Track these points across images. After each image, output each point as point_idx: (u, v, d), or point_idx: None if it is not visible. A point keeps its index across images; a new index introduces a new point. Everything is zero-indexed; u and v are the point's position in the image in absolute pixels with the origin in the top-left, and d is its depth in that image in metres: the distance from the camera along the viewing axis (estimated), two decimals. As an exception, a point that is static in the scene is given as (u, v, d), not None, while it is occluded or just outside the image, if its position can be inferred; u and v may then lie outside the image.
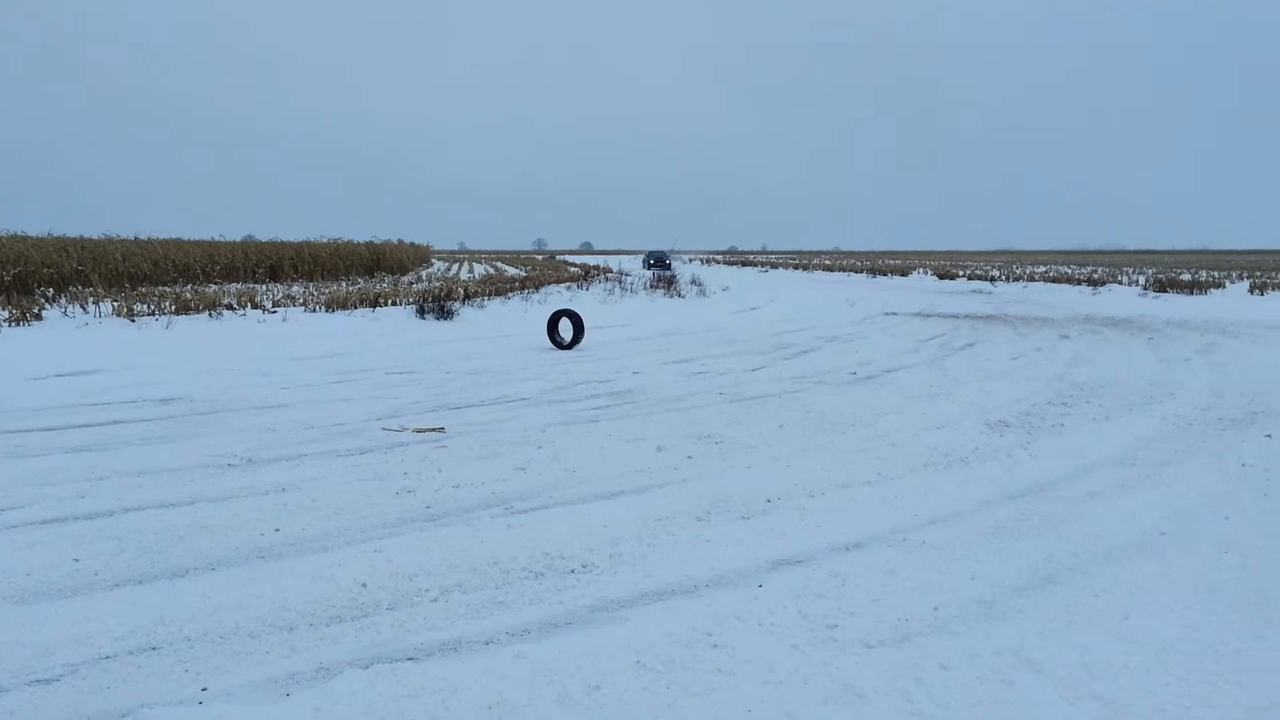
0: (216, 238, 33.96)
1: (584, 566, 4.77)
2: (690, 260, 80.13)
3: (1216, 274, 42.83)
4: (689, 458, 7.17)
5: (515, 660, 3.60)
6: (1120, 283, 35.30)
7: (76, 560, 4.75)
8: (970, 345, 15.76)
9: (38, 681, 3.49)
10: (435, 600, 4.32)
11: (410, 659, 3.61)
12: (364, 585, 4.45)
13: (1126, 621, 4.05)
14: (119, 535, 5.14)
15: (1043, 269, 51.95)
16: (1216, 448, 7.55)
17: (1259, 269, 50.57)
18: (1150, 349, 15.02)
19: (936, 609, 4.22)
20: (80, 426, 8.19)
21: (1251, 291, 29.91)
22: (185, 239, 32.46)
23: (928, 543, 5.17)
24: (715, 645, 3.80)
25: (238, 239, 36.43)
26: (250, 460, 6.97)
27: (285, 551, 4.93)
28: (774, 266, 69.35)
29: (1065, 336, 16.97)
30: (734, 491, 6.15)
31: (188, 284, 26.43)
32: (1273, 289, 30.03)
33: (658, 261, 58.10)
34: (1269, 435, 8.03)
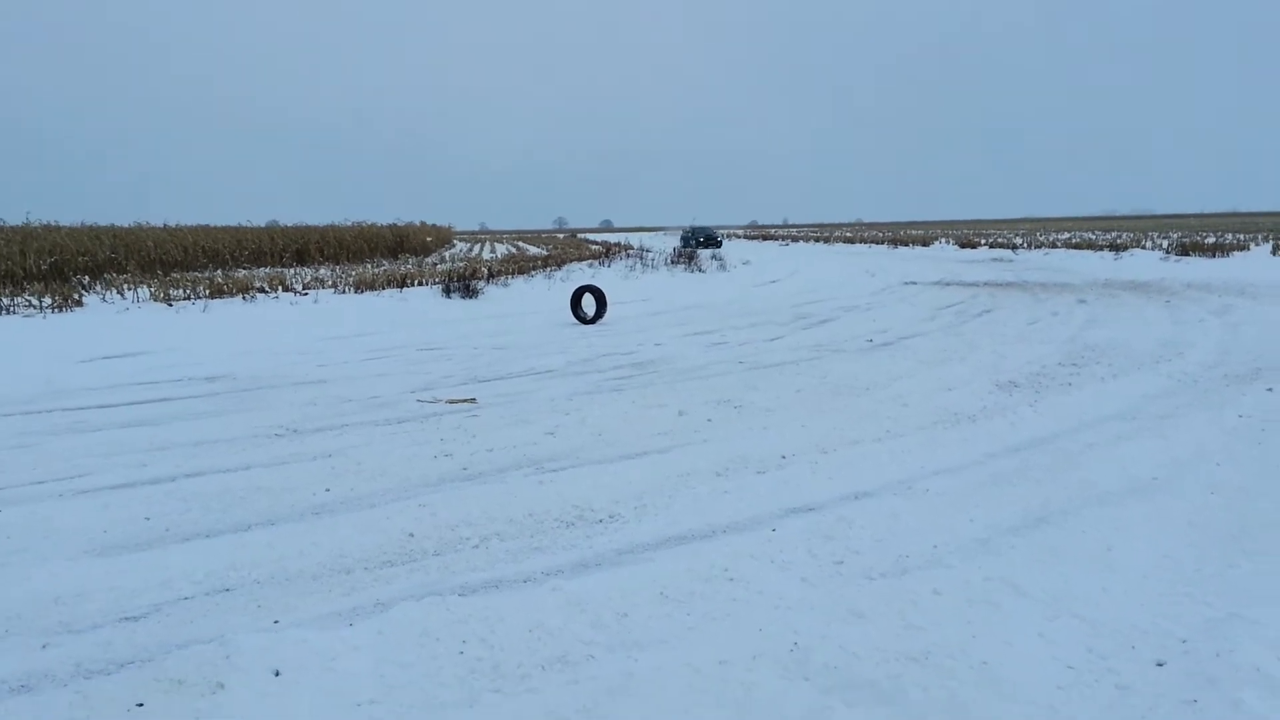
0: (242, 223, 34.54)
1: (611, 517, 5.17)
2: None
3: (1242, 236, 42.62)
4: (709, 421, 7.55)
5: (551, 593, 4.01)
6: (1144, 248, 35.25)
7: (147, 519, 5.21)
8: (987, 311, 16.01)
9: (126, 619, 3.93)
10: (476, 547, 4.73)
11: (458, 594, 4.02)
12: (411, 535, 4.87)
13: (1109, 554, 4.41)
14: (184, 497, 5.60)
15: (1066, 236, 51.76)
16: (1217, 402, 7.85)
17: (1285, 230, 50.16)
18: (1166, 311, 15.21)
19: (935, 547, 4.59)
20: (133, 404, 8.68)
21: (1275, 253, 29.85)
22: (212, 225, 33.10)
23: (931, 491, 5.53)
24: (731, 579, 4.20)
25: (262, 224, 37.05)
26: (296, 431, 7.41)
27: (337, 508, 5.37)
28: (795, 240, 69.40)
29: (1082, 301, 17.16)
30: (751, 450, 6.53)
31: (217, 269, 27.01)
32: (1295, 250, 29.94)
33: (708, 240, 52.07)
34: (1270, 389, 8.31)
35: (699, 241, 51.37)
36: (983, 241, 46.58)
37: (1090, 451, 6.37)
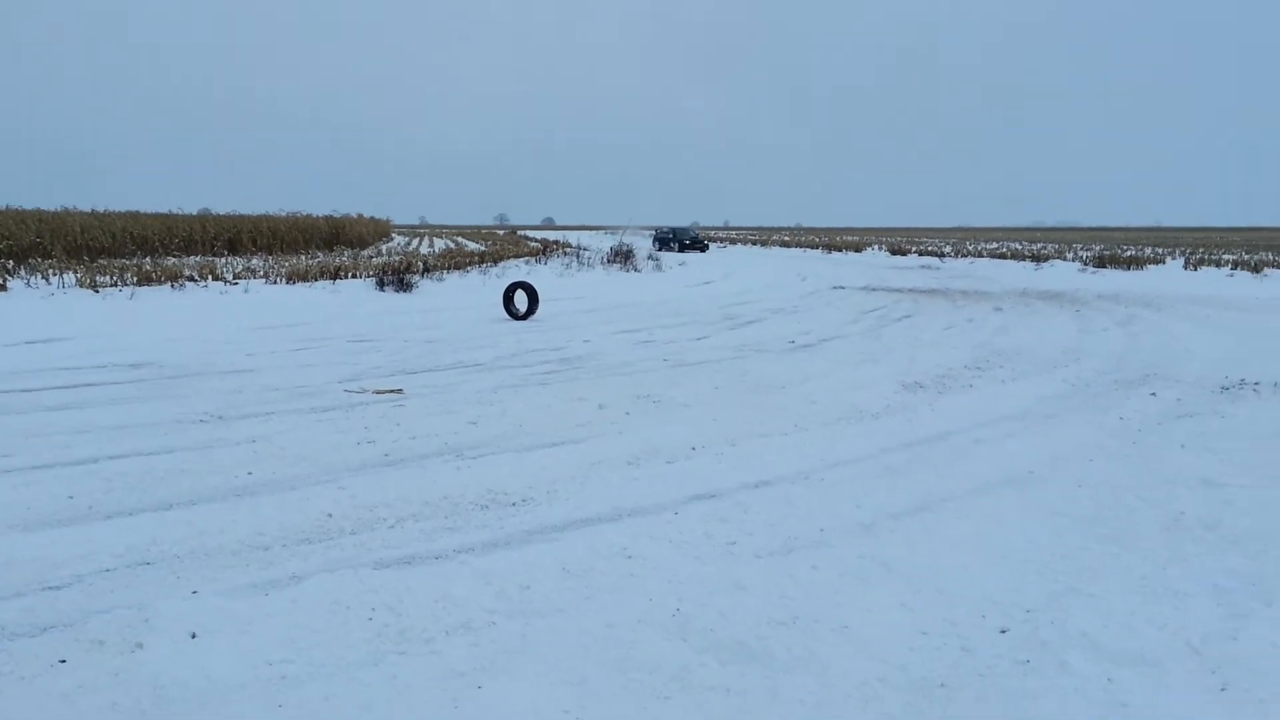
0: (173, 211, 34.02)
1: (524, 500, 5.46)
2: (650, 235, 79.93)
3: (1161, 250, 44.29)
4: (627, 414, 7.86)
5: (460, 567, 4.29)
6: (1065, 259, 36.48)
7: (70, 497, 5.35)
8: (908, 317, 16.59)
9: (49, 588, 4.10)
10: (392, 527, 4.98)
11: (371, 568, 4.27)
12: (330, 515, 5.10)
13: (976, 537, 4.82)
14: (106, 477, 5.74)
15: (993, 245, 53.17)
16: (1103, 405, 8.39)
17: (1202, 245, 52.24)
18: (1074, 320, 15.95)
19: (822, 530, 4.96)
20: (57, 388, 8.71)
21: (1185, 267, 31.16)
22: (142, 212, 32.54)
23: (827, 480, 5.91)
24: (629, 557, 4.51)
25: (193, 212, 36.54)
26: (221, 417, 7.55)
27: (259, 490, 5.57)
28: (733, 242, 70.19)
29: (998, 309, 17.87)
30: (664, 441, 6.86)
31: (146, 256, 26.61)
32: (1205, 264, 31.30)
33: (692, 242, 47.31)
34: (1154, 394, 8.89)
35: (681, 245, 47.03)
36: (913, 249, 47.71)
37: (977, 447, 6.82)
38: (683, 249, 46.52)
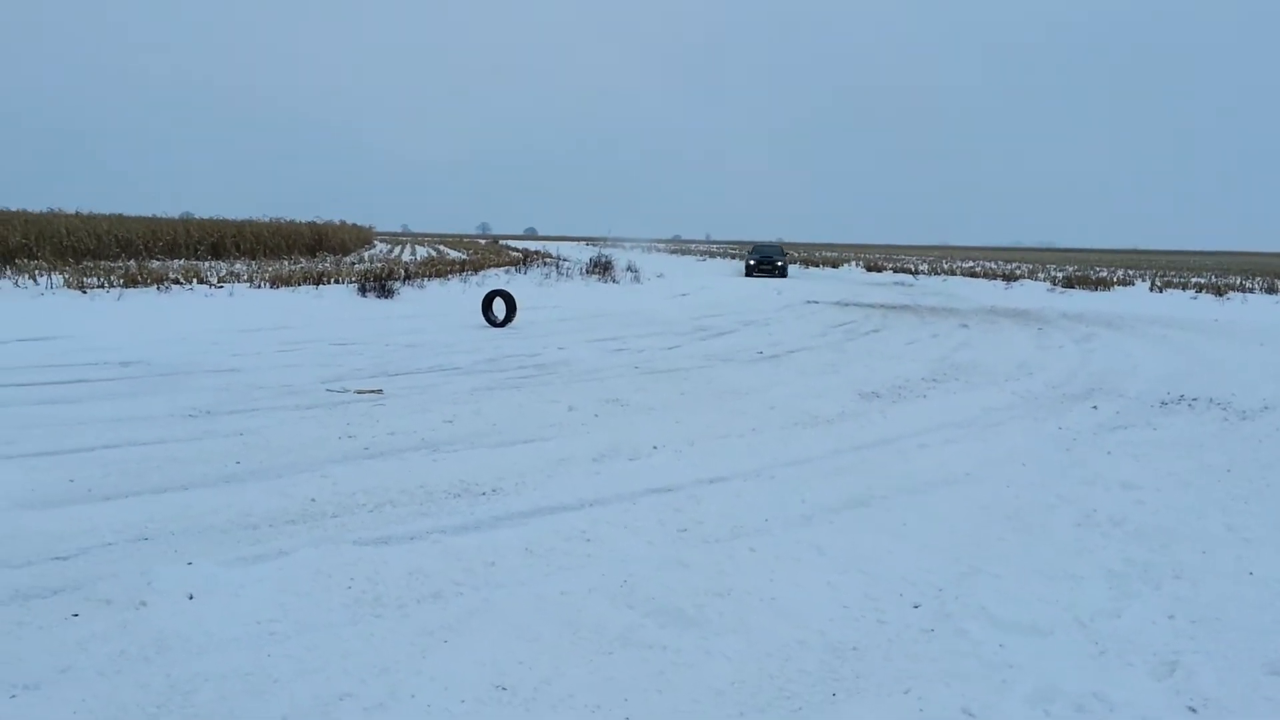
0: (157, 214, 34.27)
1: (494, 490, 5.89)
2: (630, 248, 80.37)
3: (1131, 272, 45.15)
4: (595, 416, 8.31)
5: (431, 546, 4.72)
6: (1036, 279, 37.23)
7: (71, 481, 5.74)
8: (876, 331, 17.13)
9: (56, 558, 4.50)
10: (371, 511, 5.40)
11: (351, 545, 4.70)
12: (313, 500, 5.52)
13: (904, 527, 5.30)
14: (104, 464, 6.14)
15: (969, 264, 54.00)
16: (1045, 416, 8.90)
17: (1173, 268, 53.21)
18: (1035, 337, 16.52)
19: (767, 520, 5.42)
20: (50, 384, 9.08)
21: (1151, 289, 31.92)
22: (127, 215, 32.78)
23: (777, 478, 6.38)
24: (588, 540, 4.95)
25: (176, 215, 36.83)
26: (209, 412, 7.95)
27: (246, 477, 5.98)
28: (713, 255, 70.81)
29: (964, 325, 18.44)
30: (627, 440, 7.31)
31: (130, 259, 26.86)
32: (1171, 287, 32.06)
33: (763, 261, 39.67)
34: (1095, 407, 9.41)
35: (755, 264, 39.69)
36: (889, 266, 48.43)
37: (921, 451, 7.30)
38: (752, 271, 39.41)
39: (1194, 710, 3.29)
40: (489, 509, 5.50)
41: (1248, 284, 32.92)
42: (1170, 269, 52.31)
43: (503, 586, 4.26)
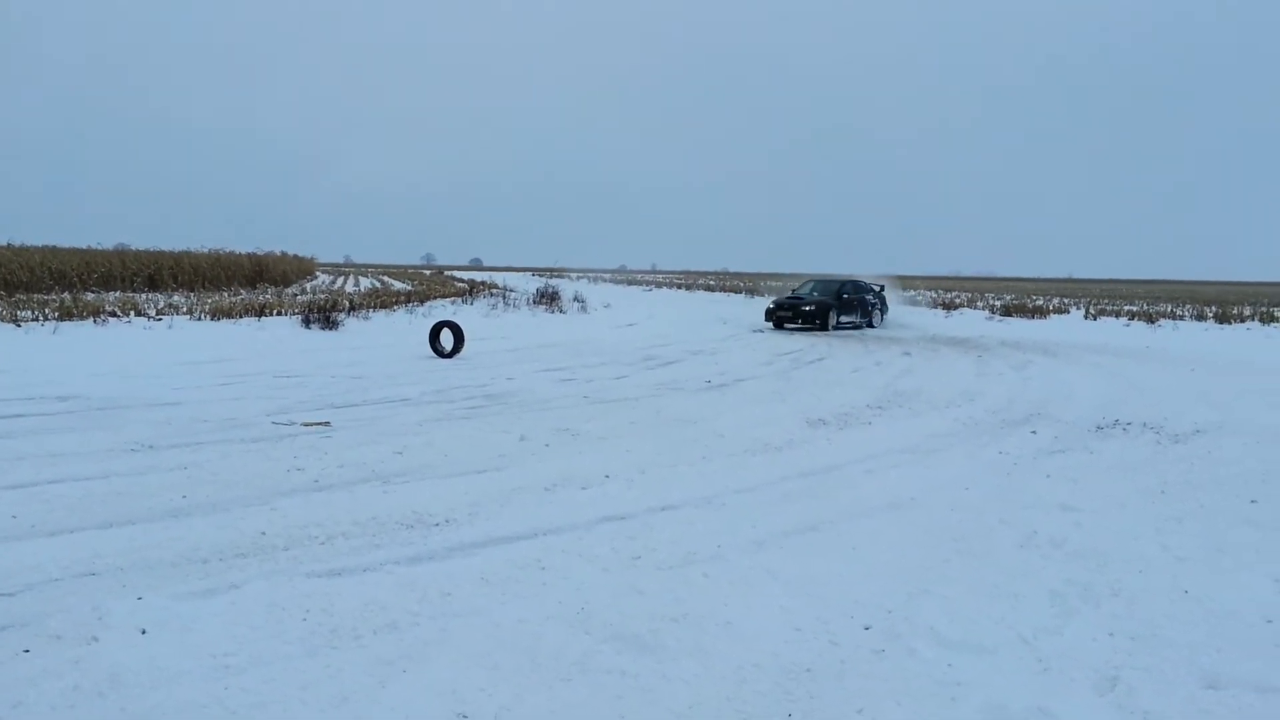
0: (92, 245, 33.62)
1: (447, 521, 5.89)
2: (577, 278, 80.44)
3: (1067, 300, 46.38)
4: (547, 445, 8.34)
5: (385, 576, 4.71)
6: (975, 307, 38.08)
7: (14, 517, 5.62)
8: (821, 359, 17.40)
9: (3, 595, 4.41)
10: (323, 543, 5.37)
11: (304, 577, 4.66)
12: (263, 533, 5.47)
13: (854, 551, 5.40)
14: (47, 499, 6.01)
15: (910, 294, 55.00)
16: (986, 441, 9.13)
17: (1107, 296, 54.76)
18: (975, 364, 16.91)
19: (719, 546, 5.49)
20: (-16, 418, 8.85)
21: (1086, 317, 32.84)
22: (60, 246, 32.12)
23: (728, 505, 6.46)
24: (543, 568, 4.98)
25: (110, 246, 36.15)
26: (152, 446, 7.82)
27: (194, 511, 5.90)
28: (659, 285, 71.21)
29: (906, 353, 18.80)
30: (579, 469, 7.35)
31: (65, 291, 26.28)
32: (1105, 315, 33.02)
33: (841, 302, 26.16)
34: (1034, 432, 9.68)
35: (812, 309, 25.58)
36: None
37: (868, 476, 7.45)
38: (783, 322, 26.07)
39: (1134, 723, 3.42)
40: (442, 539, 5.50)
41: (1178, 311, 34.06)
42: (1104, 297, 53.83)
43: (459, 616, 4.26)
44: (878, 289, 28.88)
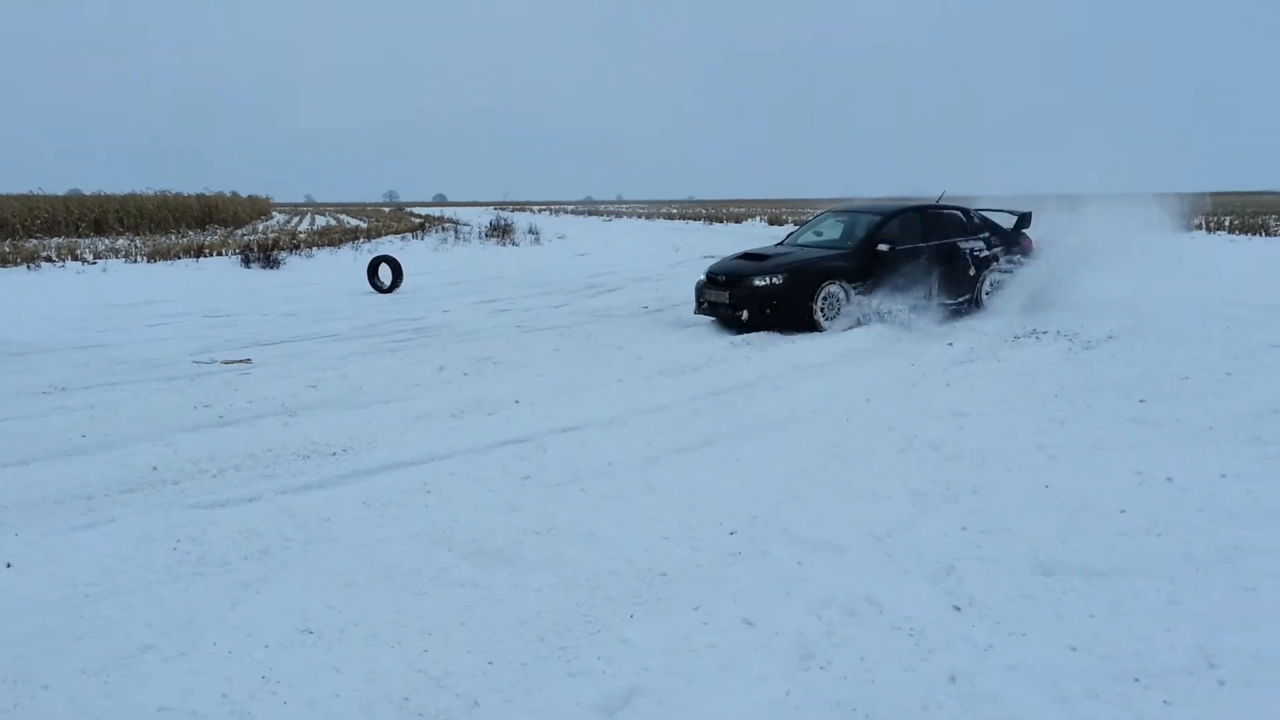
0: (35, 191, 32.89)
1: (344, 450, 5.95)
2: (539, 211, 79.43)
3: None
4: (464, 374, 8.39)
5: (266, 505, 4.77)
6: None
7: (-98, 460, 5.63)
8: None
9: (-124, 539, 4.44)
10: (214, 476, 5.43)
11: (185, 508, 4.72)
12: (154, 468, 5.51)
13: (737, 463, 5.53)
14: (-60, 443, 6.01)
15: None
16: (901, 352, 9.26)
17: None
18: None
19: (610, 464, 5.60)
20: (-104, 368, 8.77)
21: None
22: (1, 193, 31.39)
23: (629, 425, 6.56)
24: (428, 491, 5.07)
25: (61, 193, 35.35)
26: (64, 389, 7.80)
27: (90, 449, 5.93)
28: (620, 216, 70.71)
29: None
30: (490, 395, 7.41)
31: (5, 239, 25.75)
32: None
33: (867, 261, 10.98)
34: (950, 344, 9.79)
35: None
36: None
37: (777, 392, 7.57)
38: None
39: (958, 609, 3.57)
40: (335, 468, 5.57)
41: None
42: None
43: (333, 540, 4.35)
44: (1000, 225, 12.63)
